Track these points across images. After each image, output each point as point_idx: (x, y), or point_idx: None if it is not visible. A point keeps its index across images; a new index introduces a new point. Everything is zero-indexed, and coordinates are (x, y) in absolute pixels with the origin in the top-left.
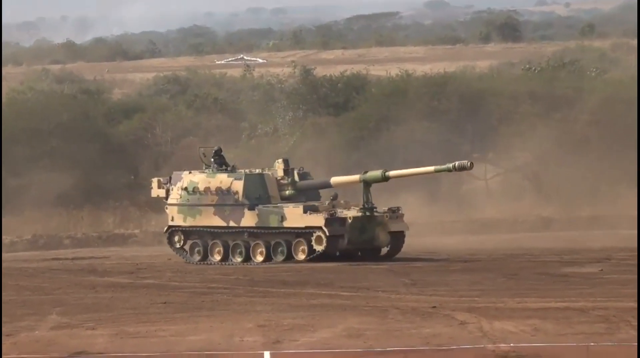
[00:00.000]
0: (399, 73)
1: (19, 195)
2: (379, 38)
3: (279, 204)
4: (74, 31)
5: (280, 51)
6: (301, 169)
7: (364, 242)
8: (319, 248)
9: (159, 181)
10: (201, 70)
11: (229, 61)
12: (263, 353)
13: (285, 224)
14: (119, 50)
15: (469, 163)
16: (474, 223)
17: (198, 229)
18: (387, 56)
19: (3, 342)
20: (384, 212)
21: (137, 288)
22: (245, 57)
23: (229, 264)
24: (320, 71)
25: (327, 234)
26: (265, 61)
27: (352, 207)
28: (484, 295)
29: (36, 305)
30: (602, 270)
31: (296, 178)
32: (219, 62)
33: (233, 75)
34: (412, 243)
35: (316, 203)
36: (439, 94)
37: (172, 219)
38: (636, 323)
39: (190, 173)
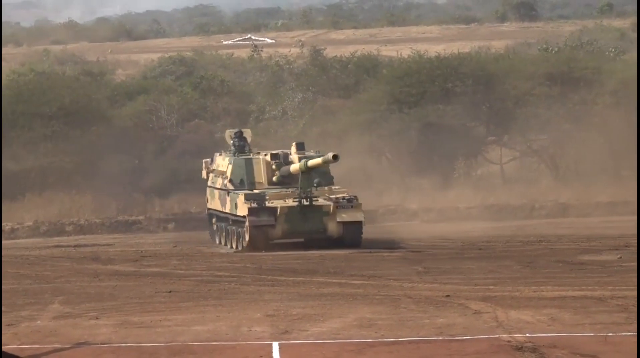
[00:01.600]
0: (411, 54)
1: (20, 180)
2: (390, 18)
3: (262, 190)
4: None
5: (289, 31)
6: (317, 152)
7: (307, 233)
8: (246, 237)
9: (205, 163)
10: (207, 51)
11: (236, 41)
12: (271, 344)
13: (237, 212)
14: (123, 30)
15: (331, 155)
16: (489, 209)
17: (215, 212)
18: (399, 36)
19: (4, 332)
20: (334, 201)
21: (141, 276)
22: (253, 38)
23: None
24: (330, 52)
25: (250, 224)
26: (273, 41)
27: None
28: (499, 284)
29: (38, 294)
30: (620, 257)
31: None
32: (226, 42)
33: (240, 56)
34: (425, 230)
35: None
36: (453, 75)
37: (207, 201)
38: None
39: (220, 154)
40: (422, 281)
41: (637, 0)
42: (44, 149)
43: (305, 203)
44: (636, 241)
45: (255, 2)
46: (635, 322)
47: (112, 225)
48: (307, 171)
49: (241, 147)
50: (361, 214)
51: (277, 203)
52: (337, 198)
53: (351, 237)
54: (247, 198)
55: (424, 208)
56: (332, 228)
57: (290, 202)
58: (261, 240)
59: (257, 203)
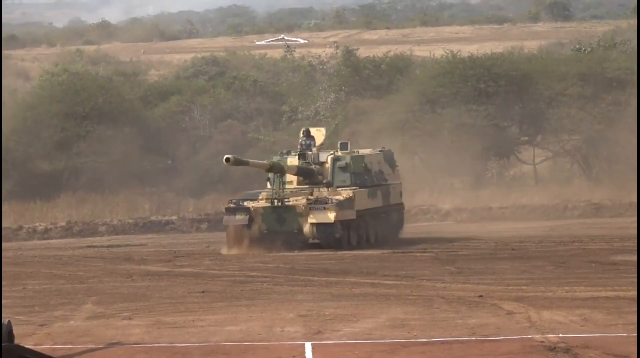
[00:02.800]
0: (444, 54)
1: (53, 180)
2: (423, 18)
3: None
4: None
5: (322, 31)
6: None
7: (284, 232)
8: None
9: None
10: (240, 51)
11: (269, 42)
12: (304, 344)
13: None
14: (156, 30)
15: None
16: (521, 209)
17: None
18: (432, 36)
19: (37, 333)
20: (306, 202)
21: (174, 276)
22: (285, 38)
23: None
24: (363, 52)
25: (224, 223)
26: (306, 41)
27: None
28: (532, 284)
29: (71, 294)
30: None
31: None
32: (259, 42)
33: (273, 56)
34: (458, 230)
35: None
36: (486, 75)
37: None
38: None
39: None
40: (455, 281)
41: (637, 0)
42: (77, 150)
43: (276, 203)
44: None
45: (288, 2)
46: None
47: (145, 225)
48: (279, 171)
49: (307, 146)
50: (333, 216)
51: (254, 204)
52: (309, 199)
53: (323, 238)
54: (233, 198)
55: (457, 208)
56: (307, 228)
57: (262, 203)
58: (237, 239)
59: (234, 203)
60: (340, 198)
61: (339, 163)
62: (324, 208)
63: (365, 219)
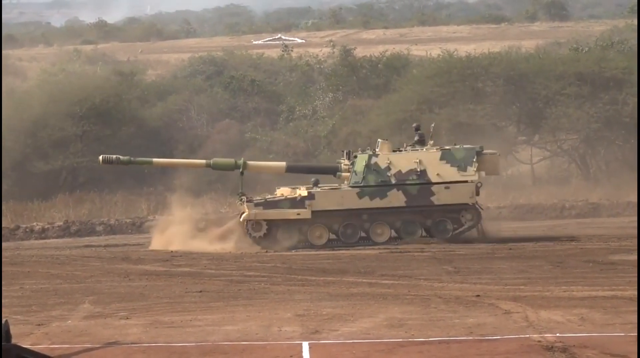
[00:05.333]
0: (442, 53)
1: (51, 180)
2: (421, 17)
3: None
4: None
5: (320, 31)
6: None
7: None
8: None
9: None
10: (238, 50)
11: (267, 41)
12: (302, 344)
13: None
14: (153, 30)
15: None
16: (519, 209)
17: None
18: (429, 35)
19: (34, 332)
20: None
21: (172, 276)
22: (283, 37)
23: None
24: (360, 52)
25: None
26: (303, 40)
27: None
28: (529, 284)
29: (68, 294)
30: None
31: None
32: (256, 42)
33: (270, 56)
34: None
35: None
36: (483, 75)
37: None
38: None
39: None
40: (452, 281)
41: (637, 0)
42: (75, 149)
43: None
44: None
45: (285, 2)
46: None
47: (143, 225)
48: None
49: (420, 142)
50: (245, 214)
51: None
52: (249, 198)
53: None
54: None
55: None
56: None
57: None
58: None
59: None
60: None
61: None
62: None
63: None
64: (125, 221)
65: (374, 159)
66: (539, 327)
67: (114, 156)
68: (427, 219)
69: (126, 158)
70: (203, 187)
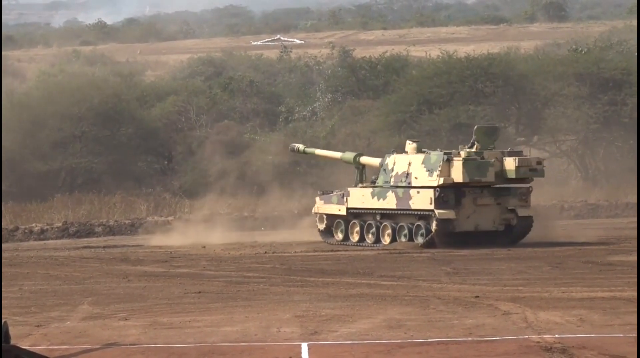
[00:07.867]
0: (441, 54)
1: (49, 181)
2: (420, 18)
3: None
4: (105, 11)
5: (319, 32)
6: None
7: None
8: None
9: None
10: (237, 51)
11: (266, 42)
12: (301, 345)
13: None
14: (152, 31)
15: None
16: None
17: None
18: (428, 36)
19: (33, 333)
20: None
21: (170, 277)
22: (282, 38)
23: None
24: (359, 52)
25: None
26: (302, 42)
27: None
28: (528, 285)
29: (67, 295)
30: None
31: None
32: (255, 43)
33: (269, 57)
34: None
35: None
36: (482, 76)
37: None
38: None
39: None
40: (451, 282)
41: (637, 0)
42: (73, 150)
43: None
44: None
45: (284, 3)
46: None
47: (142, 226)
48: None
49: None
50: (314, 208)
51: None
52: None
53: None
54: None
55: None
56: None
57: None
58: None
59: None
60: None
61: None
62: None
63: None
64: (124, 222)
65: None
66: (538, 328)
67: (296, 146)
68: None
69: (302, 147)
70: (201, 187)
